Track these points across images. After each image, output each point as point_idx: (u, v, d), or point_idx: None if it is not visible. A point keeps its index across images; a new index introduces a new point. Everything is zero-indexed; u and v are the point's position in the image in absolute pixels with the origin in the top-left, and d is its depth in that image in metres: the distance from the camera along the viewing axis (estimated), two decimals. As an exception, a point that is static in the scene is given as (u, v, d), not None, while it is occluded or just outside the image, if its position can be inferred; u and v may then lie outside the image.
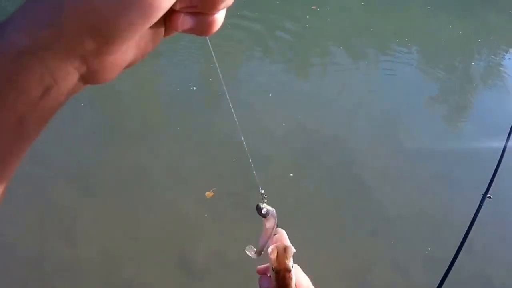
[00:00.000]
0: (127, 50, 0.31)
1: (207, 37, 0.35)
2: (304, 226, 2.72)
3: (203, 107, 3.59)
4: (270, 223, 0.65)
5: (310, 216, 2.87)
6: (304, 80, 4.42)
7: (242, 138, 0.77)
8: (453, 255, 1.64)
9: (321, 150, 3.42)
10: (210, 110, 3.50)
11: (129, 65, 0.33)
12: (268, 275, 0.61)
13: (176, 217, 2.76)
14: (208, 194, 2.90)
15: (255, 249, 0.69)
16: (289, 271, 0.58)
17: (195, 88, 3.77)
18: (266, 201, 0.63)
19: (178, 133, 3.39)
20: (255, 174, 0.73)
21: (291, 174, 3.13)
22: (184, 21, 0.31)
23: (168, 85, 3.86)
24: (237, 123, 0.75)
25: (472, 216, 1.72)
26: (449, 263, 1.61)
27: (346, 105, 3.97)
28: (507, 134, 1.68)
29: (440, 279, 1.57)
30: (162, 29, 0.33)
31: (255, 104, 3.69)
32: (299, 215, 2.86)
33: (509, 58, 5.20)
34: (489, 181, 1.73)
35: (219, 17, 0.32)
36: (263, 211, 0.64)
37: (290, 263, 0.58)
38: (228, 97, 0.70)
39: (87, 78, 0.30)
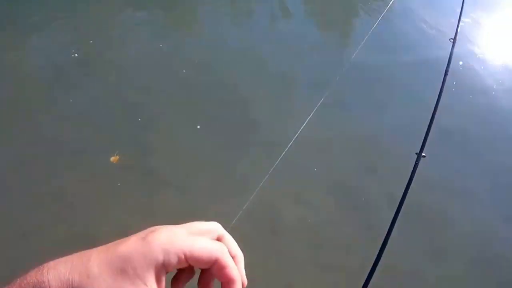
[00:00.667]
0: None
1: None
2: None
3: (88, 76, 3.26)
4: None
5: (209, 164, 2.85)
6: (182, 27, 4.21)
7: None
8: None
9: (219, 95, 3.33)
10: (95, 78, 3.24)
11: None
12: None
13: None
14: (114, 159, 2.67)
15: None
16: None
17: (77, 55, 3.41)
18: None
19: (64, 107, 3.01)
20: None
21: (198, 127, 3.02)
22: None
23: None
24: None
25: (408, 175, 1.75)
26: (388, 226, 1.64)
27: (235, 49, 3.87)
28: (438, 92, 1.69)
29: (382, 244, 1.58)
30: None
31: (143, 57, 3.49)
32: (198, 164, 2.82)
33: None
34: (422, 139, 1.76)
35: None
36: None
37: None
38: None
39: None
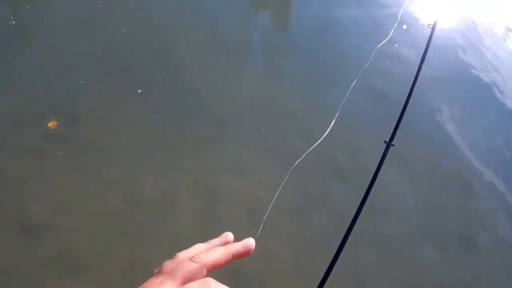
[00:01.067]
0: None
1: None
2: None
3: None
4: None
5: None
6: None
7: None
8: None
9: (162, 57, 3.24)
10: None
11: None
12: None
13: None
14: (52, 124, 2.53)
15: None
16: None
17: (14, 22, 3.14)
18: None
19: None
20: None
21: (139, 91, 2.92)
22: None
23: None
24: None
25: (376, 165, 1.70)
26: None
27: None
28: (411, 83, 1.63)
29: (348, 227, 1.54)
30: None
31: (84, 18, 3.31)
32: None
33: None
34: (393, 129, 1.70)
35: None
36: None
37: None
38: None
39: None
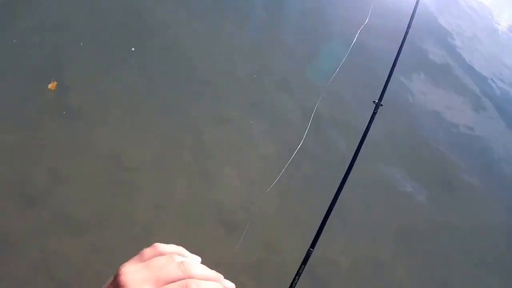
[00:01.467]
0: None
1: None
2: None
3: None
4: None
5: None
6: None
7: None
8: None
9: (154, 17, 3.34)
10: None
11: None
12: None
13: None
14: (52, 85, 2.54)
15: None
16: None
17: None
18: None
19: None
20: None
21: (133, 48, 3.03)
22: None
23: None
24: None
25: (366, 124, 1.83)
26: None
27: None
28: (400, 43, 1.75)
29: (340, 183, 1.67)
30: None
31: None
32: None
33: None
34: (382, 89, 1.83)
35: None
36: None
37: None
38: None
39: None
